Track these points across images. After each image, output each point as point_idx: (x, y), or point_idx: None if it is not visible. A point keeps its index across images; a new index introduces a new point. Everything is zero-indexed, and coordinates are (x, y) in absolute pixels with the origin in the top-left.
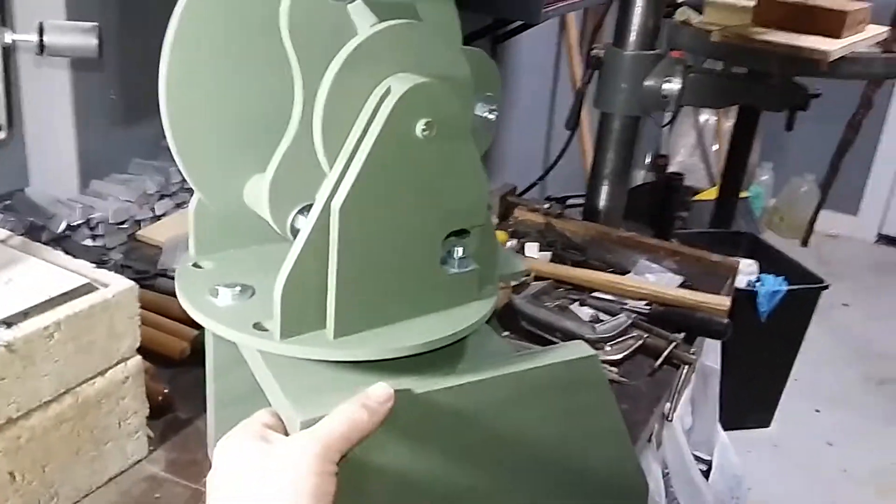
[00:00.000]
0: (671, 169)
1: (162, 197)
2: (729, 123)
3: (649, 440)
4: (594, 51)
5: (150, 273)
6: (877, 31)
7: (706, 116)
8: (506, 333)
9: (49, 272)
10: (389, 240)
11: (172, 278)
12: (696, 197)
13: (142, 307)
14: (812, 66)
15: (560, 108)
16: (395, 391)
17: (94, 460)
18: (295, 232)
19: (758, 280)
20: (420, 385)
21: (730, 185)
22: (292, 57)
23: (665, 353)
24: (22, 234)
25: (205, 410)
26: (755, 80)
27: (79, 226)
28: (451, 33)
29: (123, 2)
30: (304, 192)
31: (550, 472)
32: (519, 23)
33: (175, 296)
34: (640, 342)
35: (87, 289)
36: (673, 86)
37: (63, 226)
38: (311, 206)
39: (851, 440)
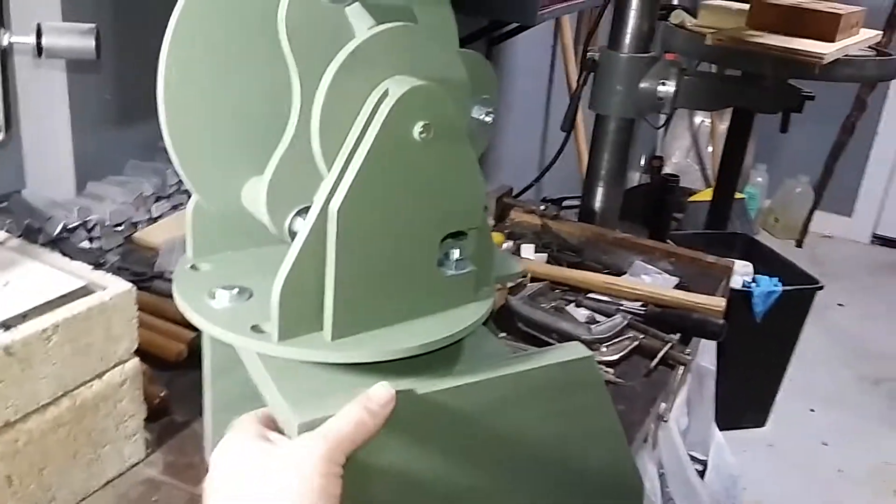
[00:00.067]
0: (666, 170)
1: (158, 199)
2: (724, 125)
3: (645, 440)
4: (589, 53)
5: (147, 275)
6: (870, 34)
7: (701, 118)
8: (503, 335)
9: (47, 274)
10: (387, 242)
11: (169, 280)
12: (692, 198)
13: (139, 309)
14: (806, 69)
15: (556, 110)
16: (395, 392)
17: (92, 463)
18: (292, 234)
19: (753, 281)
20: (418, 386)
21: (725, 187)
22: (290, 59)
23: (661, 354)
24: (19, 237)
25: (202, 413)
26: (749, 82)
27: (75, 228)
28: (447, 36)
29: (119, 3)
30: (301, 194)
31: (548, 473)
32: (515, 25)
33: (172, 298)
34: (636, 343)
35: (84, 291)
36: (667, 88)
37: (60, 228)
38: (308, 208)
39: (847, 440)
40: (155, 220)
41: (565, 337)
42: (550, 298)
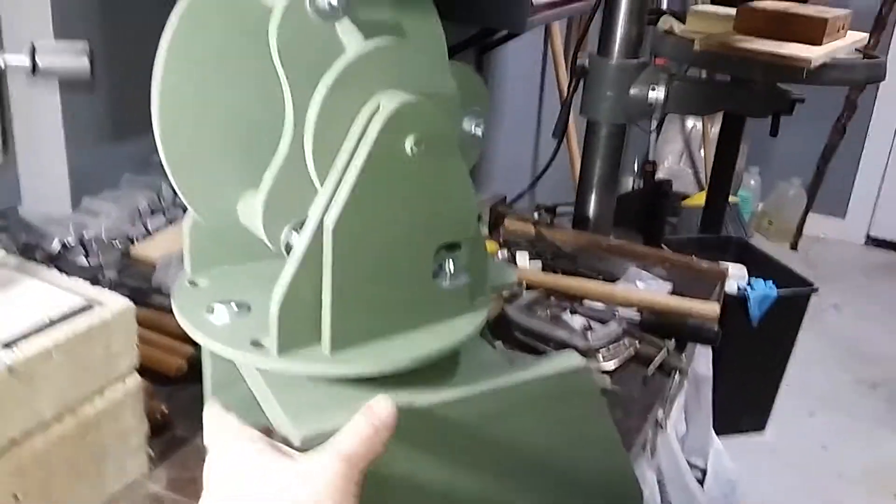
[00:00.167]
0: (660, 175)
1: (153, 213)
2: (715, 129)
3: (643, 448)
4: (579, 60)
5: (144, 290)
6: (857, 36)
7: (693, 122)
8: (499, 343)
9: (47, 292)
10: (382, 255)
11: (167, 295)
12: (685, 202)
13: (138, 325)
14: (793, 74)
15: (548, 117)
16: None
17: (95, 480)
18: (288, 248)
19: (748, 284)
20: (415, 398)
21: (717, 191)
22: (282, 76)
23: (657, 361)
24: (16, 254)
25: (203, 428)
26: (738, 86)
27: (72, 244)
28: (437, 49)
29: (109, 18)
30: (296, 208)
31: (546, 482)
32: (505, 32)
33: (170, 313)
34: (632, 350)
35: (85, 308)
36: (657, 94)
37: (57, 245)
38: (304, 221)
39: (845, 443)
40: (151, 234)
41: (562, 345)
42: (547, 306)
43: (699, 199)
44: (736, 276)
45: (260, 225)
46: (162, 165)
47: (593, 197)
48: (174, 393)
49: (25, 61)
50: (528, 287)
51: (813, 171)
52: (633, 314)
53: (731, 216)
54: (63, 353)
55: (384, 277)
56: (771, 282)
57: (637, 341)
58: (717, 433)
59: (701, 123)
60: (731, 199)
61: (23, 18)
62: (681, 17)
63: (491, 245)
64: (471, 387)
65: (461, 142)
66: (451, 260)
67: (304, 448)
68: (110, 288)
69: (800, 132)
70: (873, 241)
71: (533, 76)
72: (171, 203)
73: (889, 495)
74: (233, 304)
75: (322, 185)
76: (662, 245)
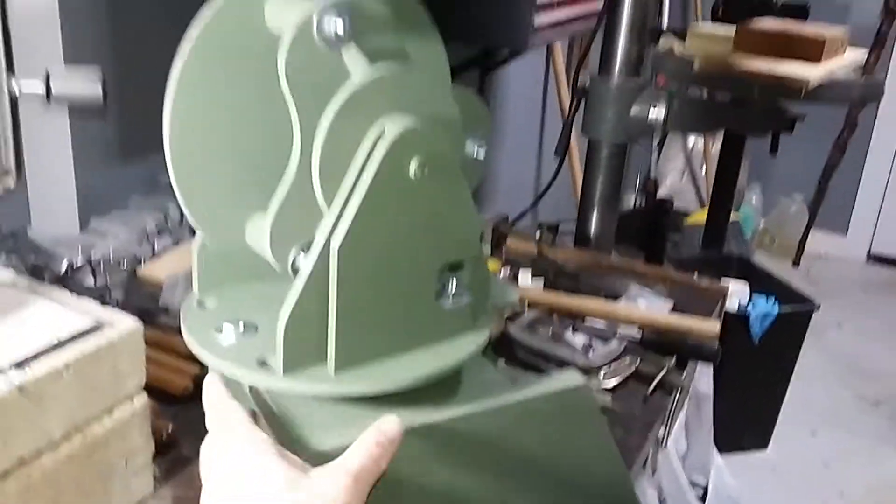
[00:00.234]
0: (661, 192)
1: (160, 234)
2: (716, 146)
3: (644, 466)
4: (580, 79)
5: (151, 310)
6: (856, 54)
7: (694, 139)
8: (501, 361)
9: (57, 313)
10: (386, 276)
11: (174, 315)
12: (688, 220)
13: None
14: (792, 93)
15: (550, 136)
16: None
17: (102, 498)
18: (295, 269)
19: (750, 302)
20: (418, 416)
21: (719, 208)
22: (290, 103)
23: (658, 379)
24: (25, 275)
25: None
26: (738, 105)
27: (80, 265)
28: (439, 74)
29: (118, 41)
30: (303, 230)
31: (546, 500)
32: (507, 52)
33: (176, 333)
34: (633, 368)
35: (94, 329)
36: (658, 113)
37: (65, 265)
38: (310, 243)
39: (847, 461)
40: (157, 254)
41: (563, 364)
42: (548, 325)
43: (701, 216)
44: (737, 292)
45: (267, 246)
46: (168, 186)
47: (595, 215)
48: (179, 412)
49: (40, 88)
50: (530, 306)
51: (814, 188)
52: (634, 332)
53: (733, 233)
54: (72, 373)
55: (388, 298)
56: (773, 298)
57: (638, 359)
58: (720, 451)
59: (702, 141)
60: (734, 215)
61: (33, 43)
62: (681, 35)
63: (493, 264)
64: (473, 405)
65: (464, 164)
66: (453, 279)
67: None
68: (118, 308)
69: (801, 149)
70: (875, 259)
71: (535, 96)
72: (178, 224)
73: None
74: (240, 323)
75: (328, 207)
76: (664, 263)
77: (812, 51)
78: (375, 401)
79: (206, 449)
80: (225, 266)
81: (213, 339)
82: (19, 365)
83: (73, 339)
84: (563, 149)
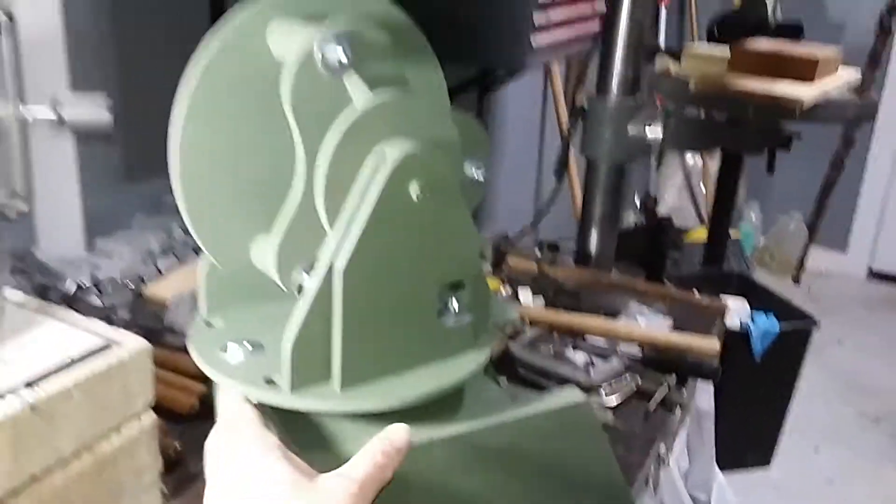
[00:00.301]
0: (661, 209)
1: (164, 253)
2: (715, 164)
3: (646, 483)
4: (578, 99)
5: (156, 330)
6: (849, 74)
7: (692, 157)
8: (503, 379)
9: (66, 333)
10: (389, 296)
11: (179, 334)
12: (688, 238)
13: None
14: (787, 113)
15: (549, 155)
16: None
17: None
18: (300, 289)
19: (750, 319)
20: (420, 433)
21: (719, 226)
22: (293, 127)
23: (658, 396)
24: (32, 295)
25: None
26: (735, 124)
27: (86, 285)
28: (438, 98)
29: (122, 65)
30: (308, 251)
31: None
32: (505, 73)
33: (182, 351)
34: (634, 385)
35: (104, 348)
36: (655, 133)
37: (72, 285)
38: (315, 263)
39: (850, 478)
40: (162, 274)
41: (564, 381)
42: (549, 343)
43: (700, 233)
44: (737, 310)
45: (273, 267)
46: (172, 206)
47: (595, 233)
48: (186, 430)
49: (51, 114)
50: (531, 324)
51: (812, 205)
52: (634, 350)
53: (732, 251)
54: (83, 391)
55: (391, 317)
56: (773, 316)
57: (638, 377)
58: (723, 469)
59: (700, 158)
60: (733, 233)
61: (40, 70)
62: (677, 56)
63: (493, 282)
64: (475, 422)
65: (463, 186)
66: (454, 299)
67: None
68: (124, 328)
69: (798, 166)
70: (875, 275)
71: (533, 116)
72: (182, 243)
73: None
74: (246, 343)
75: (332, 229)
76: (664, 280)
77: (805, 71)
78: (379, 417)
79: (213, 444)
80: (231, 287)
81: (221, 357)
82: (31, 384)
83: (83, 358)
84: (560, 170)
